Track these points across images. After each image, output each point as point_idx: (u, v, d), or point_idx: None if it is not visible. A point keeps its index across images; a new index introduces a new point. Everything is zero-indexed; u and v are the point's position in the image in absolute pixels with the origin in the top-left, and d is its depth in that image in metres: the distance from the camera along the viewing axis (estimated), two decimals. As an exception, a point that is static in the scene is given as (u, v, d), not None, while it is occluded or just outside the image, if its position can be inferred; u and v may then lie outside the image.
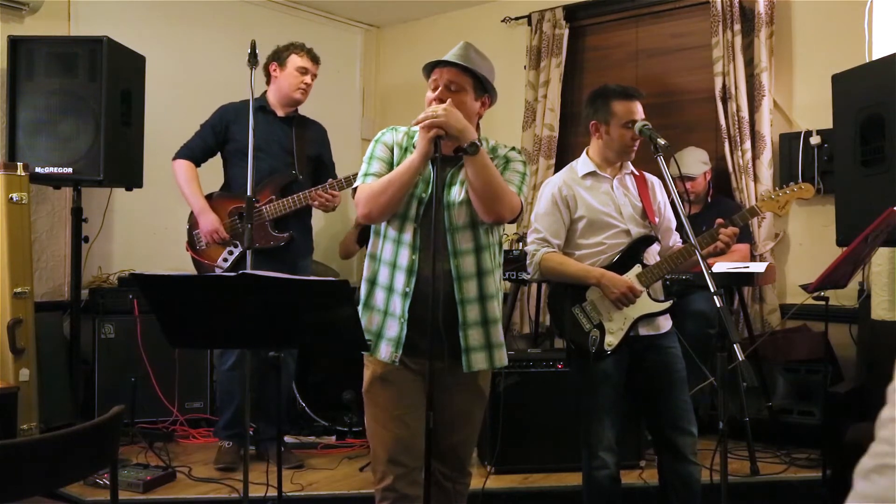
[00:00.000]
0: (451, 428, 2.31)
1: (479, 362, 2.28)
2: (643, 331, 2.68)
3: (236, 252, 3.60)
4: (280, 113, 3.73)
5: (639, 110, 2.71)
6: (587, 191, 2.74)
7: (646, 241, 2.72)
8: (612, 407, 2.67)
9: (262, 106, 3.71)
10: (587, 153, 2.82)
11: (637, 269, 2.67)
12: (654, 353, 2.69)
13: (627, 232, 2.70)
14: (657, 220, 2.78)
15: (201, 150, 3.73)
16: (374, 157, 2.32)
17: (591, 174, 2.76)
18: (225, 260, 3.60)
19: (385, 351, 2.27)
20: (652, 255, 2.75)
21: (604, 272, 2.64)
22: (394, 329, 2.26)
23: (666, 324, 2.74)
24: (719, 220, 2.63)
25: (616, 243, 2.69)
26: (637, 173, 2.82)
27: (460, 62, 2.25)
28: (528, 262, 2.76)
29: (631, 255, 2.68)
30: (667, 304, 2.69)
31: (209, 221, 3.60)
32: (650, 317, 2.67)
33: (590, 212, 2.71)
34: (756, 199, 4.18)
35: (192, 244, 3.68)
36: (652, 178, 2.86)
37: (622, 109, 2.69)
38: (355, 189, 2.33)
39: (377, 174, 2.28)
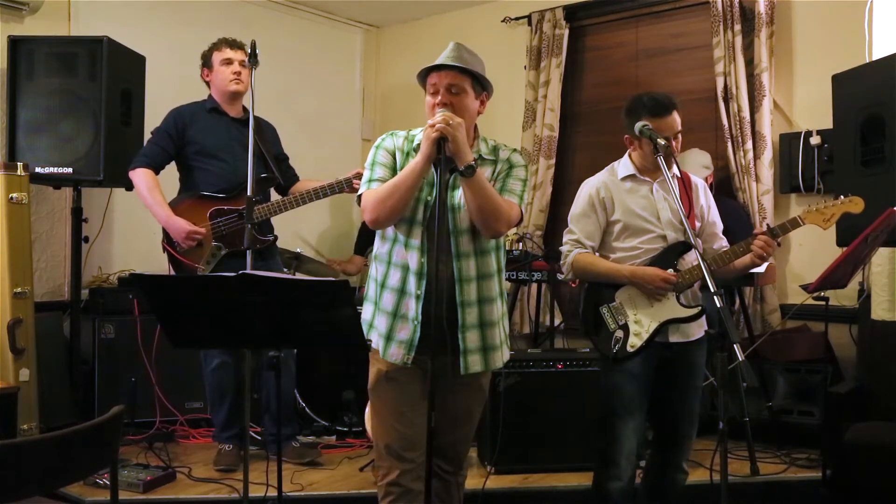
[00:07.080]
0: (451, 426, 2.34)
1: (475, 364, 2.31)
2: (673, 338, 2.64)
3: (219, 255, 3.51)
4: (232, 114, 3.67)
5: (669, 125, 2.60)
6: (626, 193, 2.69)
7: (680, 248, 2.66)
8: (637, 409, 2.64)
9: (214, 108, 3.66)
10: (629, 156, 2.76)
11: None
12: (683, 367, 2.67)
13: (664, 237, 2.66)
14: (699, 224, 2.73)
15: (160, 157, 3.60)
16: (376, 162, 2.33)
17: (631, 177, 2.71)
18: (208, 262, 3.51)
19: (396, 353, 2.29)
20: (688, 262, 2.68)
21: (634, 268, 2.62)
22: (406, 332, 2.28)
23: (697, 331, 2.69)
24: (758, 230, 2.59)
25: (652, 248, 2.65)
26: (681, 175, 2.72)
27: (457, 63, 2.25)
28: (561, 262, 2.75)
29: (663, 262, 2.63)
30: (696, 310, 2.63)
31: (180, 226, 3.46)
32: (678, 321, 2.63)
33: (626, 215, 2.67)
34: (758, 199, 4.18)
35: (170, 242, 3.55)
36: (697, 181, 2.81)
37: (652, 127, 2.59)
38: (360, 196, 2.34)
39: (381, 179, 2.29)
